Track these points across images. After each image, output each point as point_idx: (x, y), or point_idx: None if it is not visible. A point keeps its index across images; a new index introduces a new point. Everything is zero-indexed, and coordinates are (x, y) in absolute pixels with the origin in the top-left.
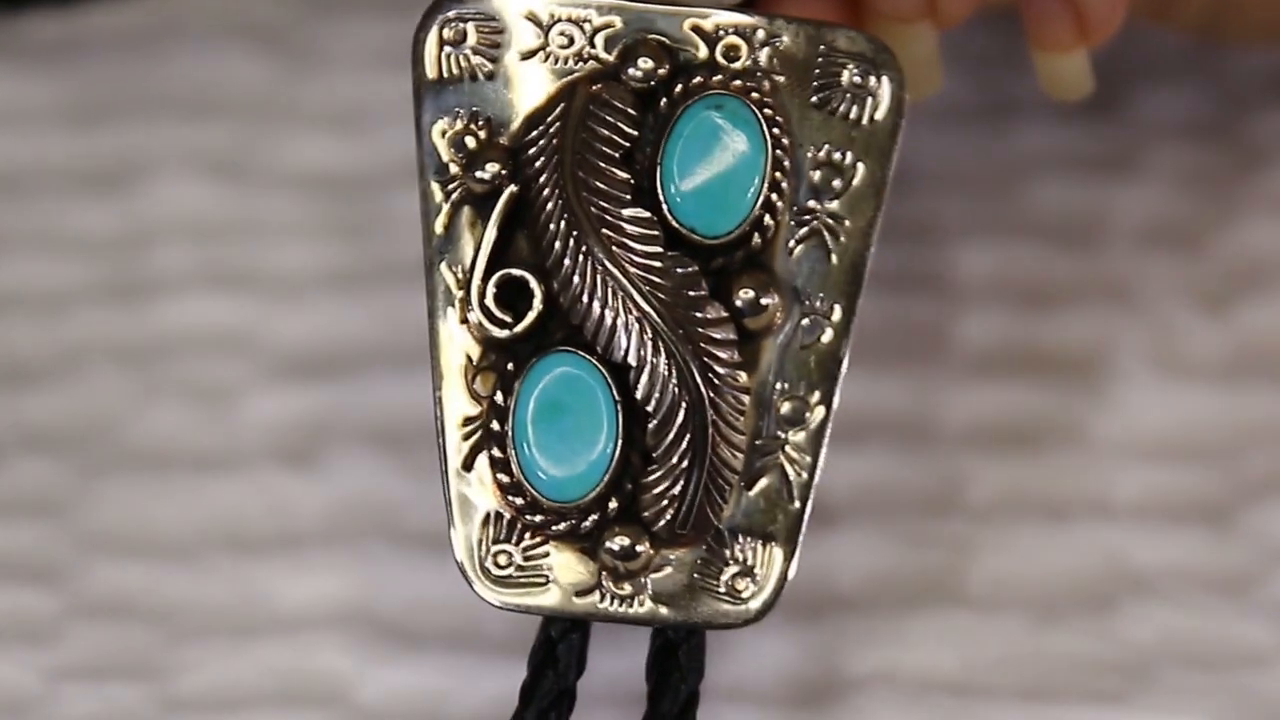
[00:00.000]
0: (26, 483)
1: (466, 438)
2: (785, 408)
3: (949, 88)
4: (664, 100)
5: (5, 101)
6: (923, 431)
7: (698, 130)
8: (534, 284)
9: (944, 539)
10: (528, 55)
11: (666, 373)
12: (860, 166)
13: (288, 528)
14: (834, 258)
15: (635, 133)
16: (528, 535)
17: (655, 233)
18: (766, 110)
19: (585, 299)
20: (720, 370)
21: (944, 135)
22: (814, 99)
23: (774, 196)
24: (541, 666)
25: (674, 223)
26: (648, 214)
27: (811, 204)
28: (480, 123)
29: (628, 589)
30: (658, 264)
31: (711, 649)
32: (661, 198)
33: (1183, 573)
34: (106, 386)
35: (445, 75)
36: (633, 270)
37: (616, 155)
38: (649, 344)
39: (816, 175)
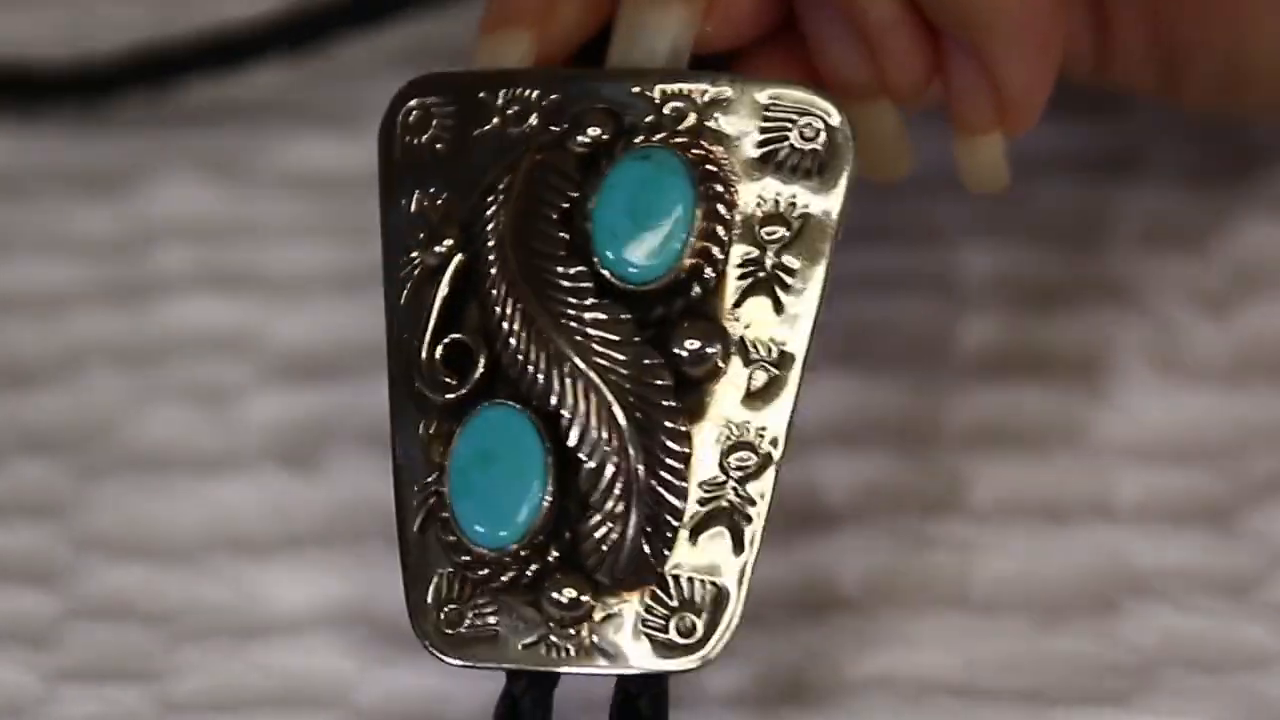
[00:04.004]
0: (26, 484)
1: (422, 504)
2: (735, 456)
3: None
4: (604, 161)
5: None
6: (923, 432)
7: (624, 181)
8: (476, 347)
9: (945, 540)
10: (483, 135)
11: (597, 419)
12: (810, 217)
13: (288, 529)
14: (781, 307)
15: (575, 194)
16: (475, 591)
17: (588, 285)
18: (707, 166)
19: (521, 356)
20: (656, 416)
21: (945, 136)
22: (760, 153)
23: (713, 247)
24: None
25: (606, 275)
26: (583, 268)
27: (759, 254)
28: (440, 200)
29: (574, 639)
30: (592, 315)
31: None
32: (593, 251)
33: (1184, 574)
34: (106, 387)
35: (408, 158)
36: (566, 324)
37: (555, 216)
38: (580, 393)
39: (764, 227)
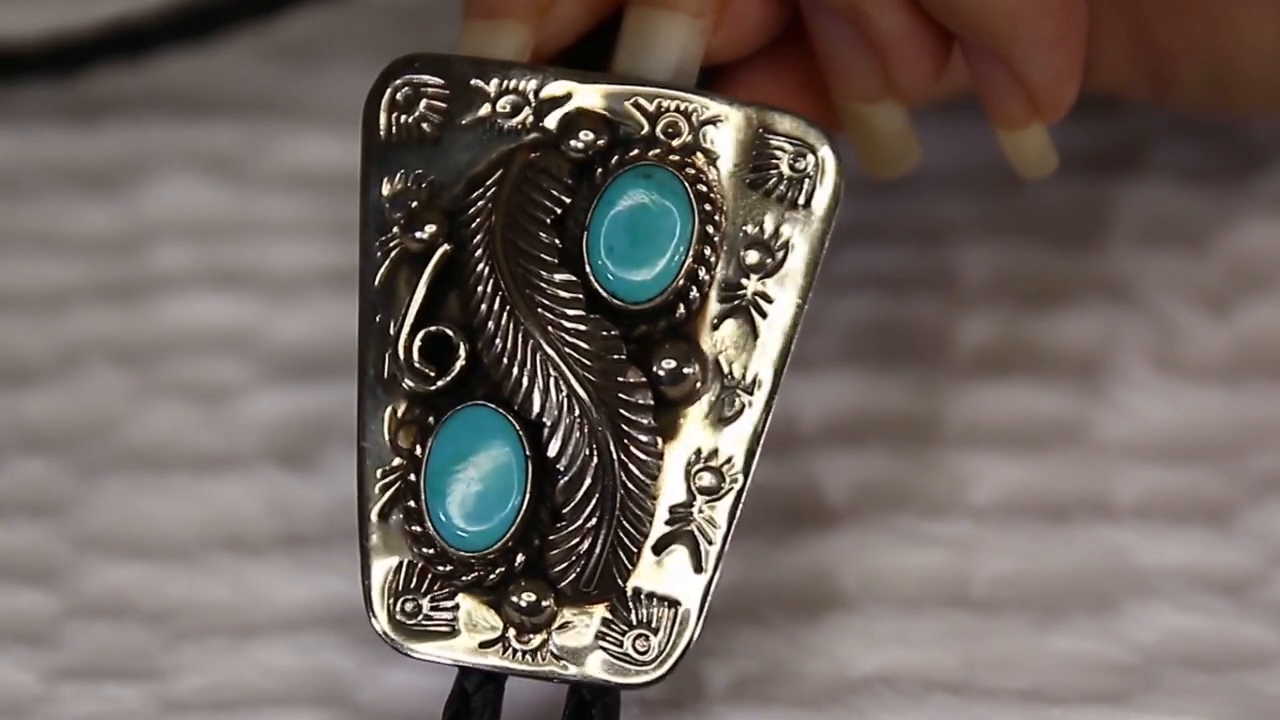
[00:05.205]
0: (25, 483)
1: (385, 489)
2: (702, 478)
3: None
4: (599, 170)
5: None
6: (923, 431)
7: (625, 198)
8: (458, 340)
9: (945, 539)
10: (473, 122)
11: (579, 432)
12: (792, 248)
13: (287, 528)
14: (760, 334)
15: (568, 200)
16: (436, 585)
17: (578, 296)
18: (700, 186)
19: (505, 357)
20: (634, 434)
21: (945, 135)
22: (751, 179)
23: (700, 269)
24: (455, 718)
25: (597, 288)
26: (573, 278)
27: (741, 280)
28: (423, 185)
29: (532, 643)
30: (579, 327)
31: (710, 648)
32: (587, 263)
33: (1184, 573)
34: (106, 386)
35: (393, 138)
36: (553, 332)
37: (547, 221)
38: (564, 403)
39: (747, 253)
